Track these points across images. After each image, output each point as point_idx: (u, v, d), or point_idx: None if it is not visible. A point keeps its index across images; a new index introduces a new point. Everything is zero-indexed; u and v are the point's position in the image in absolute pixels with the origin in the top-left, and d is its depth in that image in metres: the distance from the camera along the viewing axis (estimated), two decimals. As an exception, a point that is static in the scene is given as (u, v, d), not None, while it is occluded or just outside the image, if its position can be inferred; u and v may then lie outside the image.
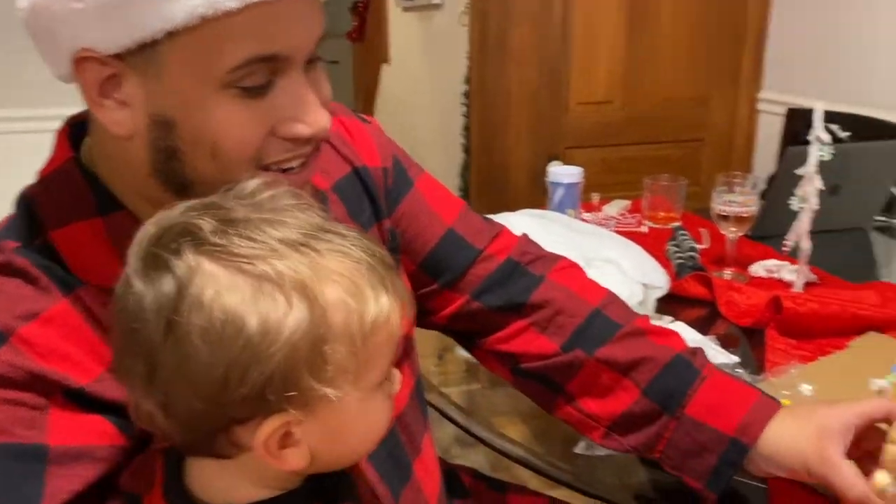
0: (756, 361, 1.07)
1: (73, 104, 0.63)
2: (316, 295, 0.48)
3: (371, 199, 0.80)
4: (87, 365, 0.57)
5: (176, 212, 0.51)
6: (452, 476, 0.98)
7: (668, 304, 1.24)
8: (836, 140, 1.97)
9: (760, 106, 2.74)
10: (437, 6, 3.17)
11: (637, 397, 0.79)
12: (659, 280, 1.22)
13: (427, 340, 1.10)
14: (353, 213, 0.77)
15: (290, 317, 0.47)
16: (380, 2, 4.27)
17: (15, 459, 0.55)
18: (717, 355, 1.07)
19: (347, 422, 0.52)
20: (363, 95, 4.76)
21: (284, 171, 0.62)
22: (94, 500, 0.57)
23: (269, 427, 0.49)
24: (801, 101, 2.43)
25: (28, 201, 0.63)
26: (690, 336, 1.13)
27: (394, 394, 0.57)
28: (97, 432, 0.57)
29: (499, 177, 2.75)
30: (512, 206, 1.47)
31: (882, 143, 1.75)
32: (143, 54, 0.55)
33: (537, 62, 2.61)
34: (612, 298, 0.87)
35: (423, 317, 0.88)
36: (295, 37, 0.58)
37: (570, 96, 2.68)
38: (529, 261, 0.87)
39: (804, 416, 0.72)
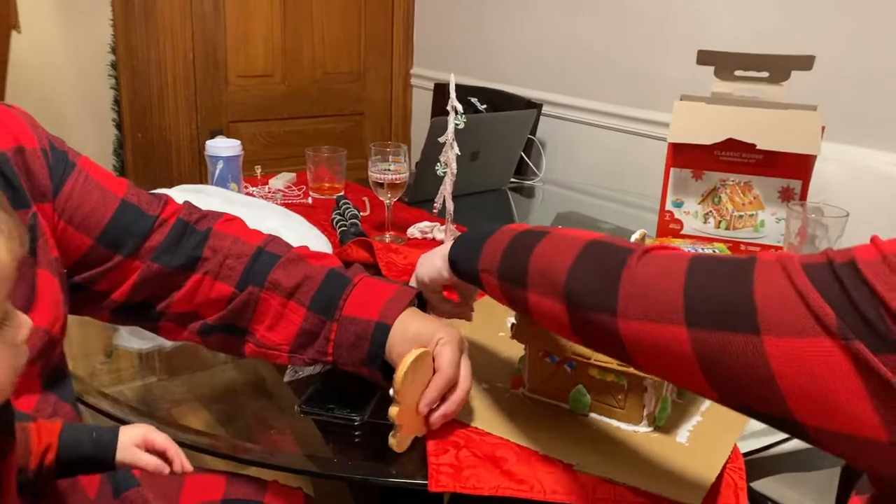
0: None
1: None
2: None
3: (10, 185, 0.75)
4: None
5: None
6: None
7: (332, 270, 1.28)
8: (476, 111, 2.20)
9: (413, 81, 2.92)
10: (71, -34, 2.85)
11: (305, 314, 0.88)
12: (321, 247, 1.25)
13: (93, 338, 1.02)
14: None
15: None
16: (0, -42, 3.72)
17: None
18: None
19: None
20: (-11, 66, 4.12)
21: None
22: None
23: None
24: (446, 77, 2.64)
25: None
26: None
27: (19, 340, 0.55)
28: None
29: (158, 153, 2.58)
30: (175, 184, 1.40)
31: (511, 112, 1.98)
32: None
33: (191, 33, 2.49)
34: (273, 238, 0.95)
35: (99, 300, 0.88)
36: None
37: (228, 69, 2.60)
38: (197, 219, 0.92)
39: (415, 321, 0.87)
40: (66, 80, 3.21)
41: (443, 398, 0.83)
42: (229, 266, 0.90)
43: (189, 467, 0.70)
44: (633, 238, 0.93)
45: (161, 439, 0.70)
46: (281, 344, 0.90)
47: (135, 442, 0.69)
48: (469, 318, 1.00)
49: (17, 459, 0.60)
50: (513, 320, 0.94)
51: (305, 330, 0.89)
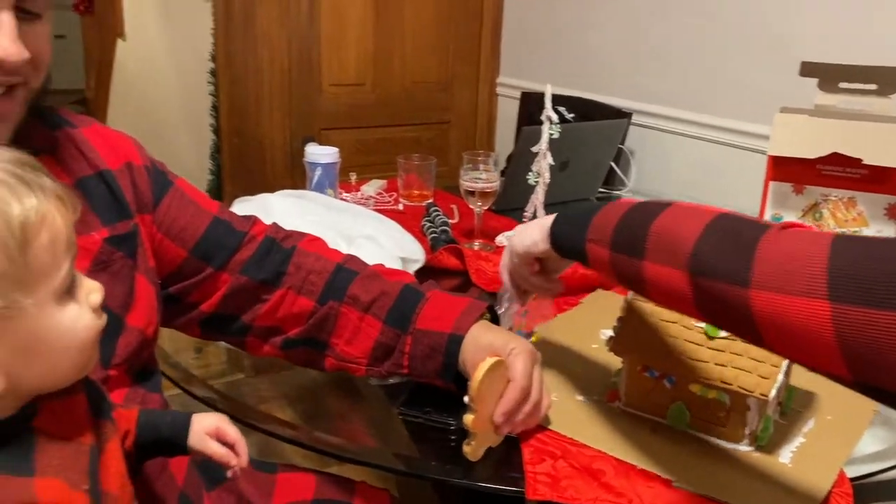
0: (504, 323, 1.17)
1: None
2: None
3: (116, 198, 0.83)
4: None
5: None
6: (207, 464, 0.96)
7: (425, 275, 1.30)
8: (564, 120, 2.19)
9: (499, 90, 2.94)
10: (175, -22, 2.99)
11: (381, 328, 0.92)
12: (416, 253, 1.28)
13: (183, 336, 1.07)
14: (96, 208, 0.80)
15: None
16: (108, -28, 3.93)
17: None
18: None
19: (36, 335, 0.52)
20: (95, 72, 4.36)
21: None
22: None
23: None
24: (534, 86, 2.65)
25: None
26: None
27: (94, 304, 0.57)
28: None
29: (253, 158, 2.68)
30: (268, 188, 1.45)
31: (602, 122, 1.97)
32: None
33: (287, 42, 2.57)
34: (352, 257, 1.00)
35: (189, 311, 0.94)
36: None
37: (322, 78, 2.67)
38: (283, 237, 0.98)
39: (488, 332, 0.89)
40: (168, 86, 3.36)
41: (517, 408, 0.83)
42: (311, 281, 0.94)
43: (245, 464, 0.73)
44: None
45: (233, 432, 0.73)
46: (359, 357, 0.93)
47: (207, 430, 0.72)
48: (556, 294, 1.02)
49: (119, 444, 0.64)
50: (609, 332, 0.94)
51: (381, 343, 0.92)
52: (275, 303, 0.94)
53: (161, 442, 0.71)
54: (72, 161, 0.81)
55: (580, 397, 0.94)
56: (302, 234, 1.01)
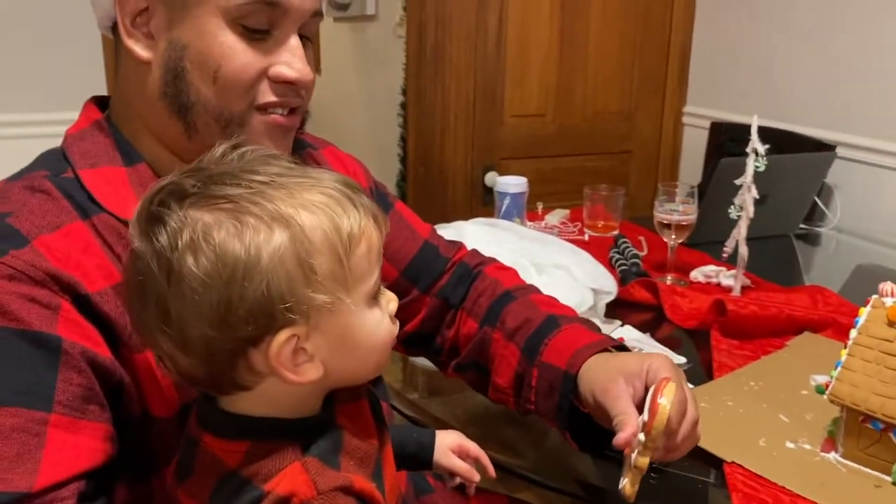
0: (702, 362, 1.13)
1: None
2: (293, 218, 0.54)
3: None
4: (94, 277, 0.63)
5: (156, 183, 0.57)
6: (415, 474, 1.00)
7: (615, 308, 1.29)
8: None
9: (685, 119, 2.86)
10: (370, 18, 3.18)
11: (518, 357, 0.88)
12: (608, 285, 1.27)
13: None
14: None
15: (270, 239, 0.53)
16: (310, 12, 4.25)
17: (31, 344, 0.59)
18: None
19: (350, 331, 0.58)
20: (293, 105, 4.71)
21: (274, 114, 0.72)
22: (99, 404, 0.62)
23: (279, 340, 0.55)
24: (722, 116, 2.55)
25: (57, 150, 0.72)
26: (636, 337, 1.19)
27: (392, 312, 0.63)
28: (93, 341, 0.62)
29: (436, 186, 2.78)
30: (449, 215, 1.50)
31: (806, 155, 1.86)
32: None
33: (473, 75, 2.65)
34: (527, 286, 0.98)
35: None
36: None
37: (504, 109, 2.73)
38: (476, 264, 1.01)
39: (616, 357, 0.79)
40: (359, 118, 3.57)
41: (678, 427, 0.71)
42: (479, 304, 0.95)
43: (493, 475, 0.75)
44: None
45: (474, 447, 0.76)
46: (506, 388, 0.89)
47: (450, 447, 0.75)
48: None
49: (391, 451, 0.69)
50: (821, 378, 0.89)
51: (518, 374, 0.88)
52: (456, 324, 0.96)
53: (407, 457, 0.75)
54: None
55: (790, 444, 0.89)
56: (493, 261, 1.03)
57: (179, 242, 0.53)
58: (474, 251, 1.05)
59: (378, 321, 0.60)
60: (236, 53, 0.69)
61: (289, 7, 0.70)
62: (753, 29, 2.46)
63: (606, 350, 0.82)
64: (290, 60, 0.71)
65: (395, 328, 0.63)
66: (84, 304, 0.62)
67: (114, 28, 0.73)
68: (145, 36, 0.70)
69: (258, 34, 0.70)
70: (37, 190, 0.66)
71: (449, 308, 0.97)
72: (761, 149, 1.26)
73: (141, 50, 0.70)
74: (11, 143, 1.90)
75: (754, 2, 2.45)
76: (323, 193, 0.57)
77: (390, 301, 0.63)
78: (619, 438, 0.69)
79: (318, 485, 0.55)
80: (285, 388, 0.57)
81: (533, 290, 0.97)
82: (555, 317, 0.89)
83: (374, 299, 0.60)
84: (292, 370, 0.56)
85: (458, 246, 1.03)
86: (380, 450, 0.64)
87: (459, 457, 0.77)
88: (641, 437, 0.68)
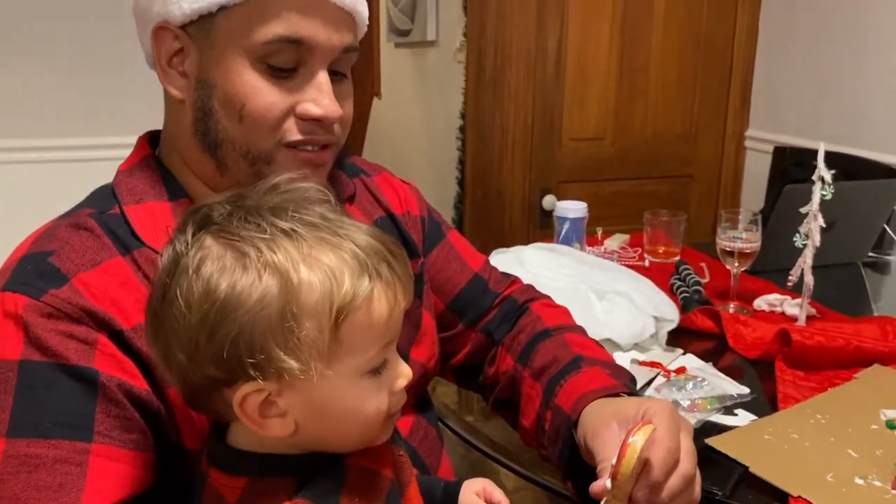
0: (767, 393, 1.11)
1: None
2: (291, 274, 0.53)
3: (404, 240, 0.90)
4: (130, 312, 0.66)
5: (206, 201, 0.59)
6: None
7: (677, 336, 1.28)
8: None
9: (747, 143, 2.81)
10: (431, 43, 3.23)
11: (541, 399, 0.84)
12: (670, 313, 1.26)
13: None
14: None
15: (257, 288, 0.53)
16: (370, 39, 4.34)
17: (71, 377, 0.62)
18: (728, 387, 1.10)
19: (329, 402, 0.56)
20: (353, 127, 4.79)
21: (303, 151, 0.73)
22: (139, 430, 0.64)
23: (242, 392, 0.54)
24: (786, 140, 2.51)
25: (109, 186, 0.76)
26: (698, 366, 1.17)
27: (396, 389, 0.60)
28: (130, 374, 0.65)
29: (493, 209, 2.79)
30: (506, 238, 1.51)
31: (874, 182, 1.82)
32: (202, 26, 0.70)
33: (532, 99, 2.67)
34: (573, 325, 0.95)
35: (444, 360, 0.97)
36: (320, 32, 0.71)
37: (563, 132, 2.74)
38: (525, 300, 0.99)
39: (616, 401, 0.76)
40: (418, 141, 3.62)
41: (664, 480, 0.65)
42: (518, 341, 0.93)
43: None
44: None
45: (499, 494, 0.74)
46: (530, 430, 0.86)
47: (475, 491, 0.75)
48: None
49: (418, 489, 0.69)
50: (894, 412, 0.86)
51: (538, 416, 0.84)
52: (497, 361, 0.95)
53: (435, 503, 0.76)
54: (368, 205, 0.90)
55: (859, 480, 0.87)
56: (544, 297, 1.01)
57: (179, 266, 0.54)
58: (528, 287, 1.03)
59: (367, 396, 0.58)
60: (261, 92, 0.70)
61: (314, 45, 0.71)
62: (822, 51, 2.42)
63: (617, 395, 0.78)
64: (316, 97, 0.72)
65: (398, 404, 0.61)
66: (119, 339, 0.65)
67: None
68: (180, 75, 0.73)
69: (284, 73, 0.70)
70: (81, 227, 0.69)
71: (493, 344, 0.96)
72: (828, 176, 1.23)
73: (176, 90, 0.73)
74: (93, 166, 2.01)
75: (822, 24, 2.41)
76: (338, 257, 0.55)
77: (399, 378, 0.60)
78: (594, 486, 0.65)
79: None
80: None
81: (573, 329, 0.94)
82: (580, 357, 0.85)
83: (371, 373, 0.57)
84: (257, 421, 0.55)
85: (510, 280, 1.02)
86: (398, 480, 0.63)
87: (486, 501, 0.76)
88: (608, 483, 0.63)
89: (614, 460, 0.62)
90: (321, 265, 0.54)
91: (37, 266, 0.66)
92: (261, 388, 0.54)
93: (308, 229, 0.56)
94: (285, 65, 0.70)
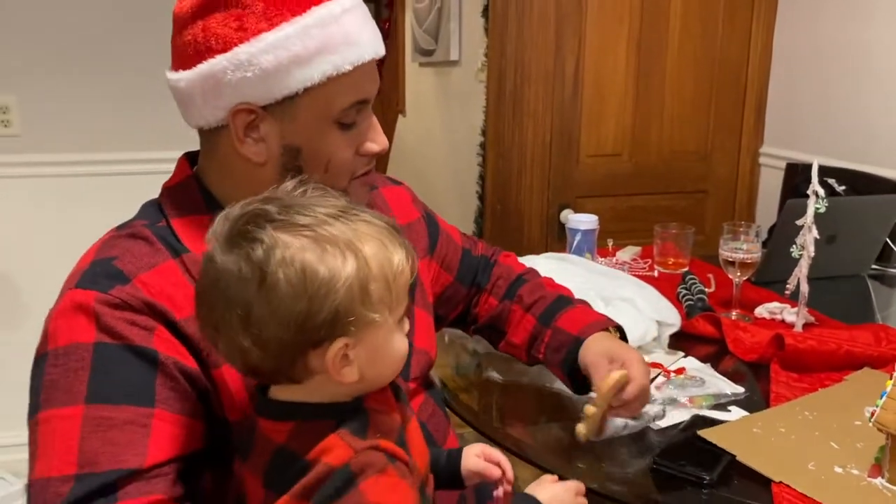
0: (762, 393, 1.18)
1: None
2: (360, 249, 0.67)
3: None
4: (182, 305, 0.78)
5: (238, 206, 0.70)
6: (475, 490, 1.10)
7: (679, 340, 1.36)
8: (833, 193, 2.12)
9: (762, 160, 2.88)
10: (454, 63, 3.34)
11: (534, 324, 1.15)
12: (672, 318, 1.34)
13: (446, 357, 1.34)
14: None
15: (346, 266, 0.66)
16: (395, 59, 4.49)
17: (135, 356, 0.75)
18: (724, 386, 1.18)
19: (382, 346, 0.71)
20: (378, 144, 4.90)
21: (363, 177, 0.91)
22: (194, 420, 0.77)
23: (335, 348, 0.67)
24: (800, 157, 2.57)
25: (156, 202, 0.89)
26: (697, 367, 1.25)
27: (406, 333, 0.76)
28: (182, 355, 0.77)
29: (512, 223, 2.88)
30: (524, 252, 1.59)
31: (875, 196, 1.88)
32: (282, 104, 0.82)
33: (550, 117, 2.76)
34: (530, 269, 1.27)
35: (463, 321, 1.26)
36: (373, 87, 0.88)
37: (581, 149, 2.82)
38: (491, 254, 1.28)
39: (611, 341, 1.06)
40: (440, 157, 3.72)
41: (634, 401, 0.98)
42: (499, 286, 1.23)
43: (511, 479, 0.86)
44: None
45: (497, 453, 0.89)
46: (519, 345, 1.17)
47: (476, 453, 0.89)
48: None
49: (417, 424, 0.81)
50: (872, 408, 0.93)
51: (532, 335, 1.15)
52: (480, 301, 1.23)
53: (439, 473, 0.87)
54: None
55: (839, 469, 0.94)
56: (498, 250, 1.30)
57: (272, 258, 0.65)
58: (485, 244, 1.29)
59: (400, 340, 0.73)
60: (340, 148, 0.85)
61: (370, 98, 0.87)
62: (832, 71, 2.48)
63: (606, 329, 1.09)
64: (374, 137, 0.89)
65: (407, 346, 0.75)
66: (173, 328, 0.77)
67: (204, 129, 0.86)
68: (255, 141, 0.83)
69: (350, 125, 0.86)
70: (138, 237, 0.82)
71: (477, 291, 1.23)
72: (821, 191, 1.31)
73: (254, 155, 0.84)
74: (138, 178, 2.15)
75: (833, 45, 2.48)
76: (378, 231, 0.70)
77: (407, 324, 0.75)
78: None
79: (354, 447, 0.67)
80: (327, 383, 0.69)
81: (535, 272, 1.26)
82: (564, 296, 1.19)
83: (400, 321, 0.73)
84: (338, 372, 0.69)
85: (473, 240, 1.27)
86: (403, 425, 0.75)
87: (485, 461, 0.88)
88: (593, 394, 0.97)
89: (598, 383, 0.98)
90: (372, 239, 0.69)
91: (104, 269, 0.79)
92: (345, 343, 0.68)
93: (346, 214, 0.69)
94: (353, 120, 0.86)
